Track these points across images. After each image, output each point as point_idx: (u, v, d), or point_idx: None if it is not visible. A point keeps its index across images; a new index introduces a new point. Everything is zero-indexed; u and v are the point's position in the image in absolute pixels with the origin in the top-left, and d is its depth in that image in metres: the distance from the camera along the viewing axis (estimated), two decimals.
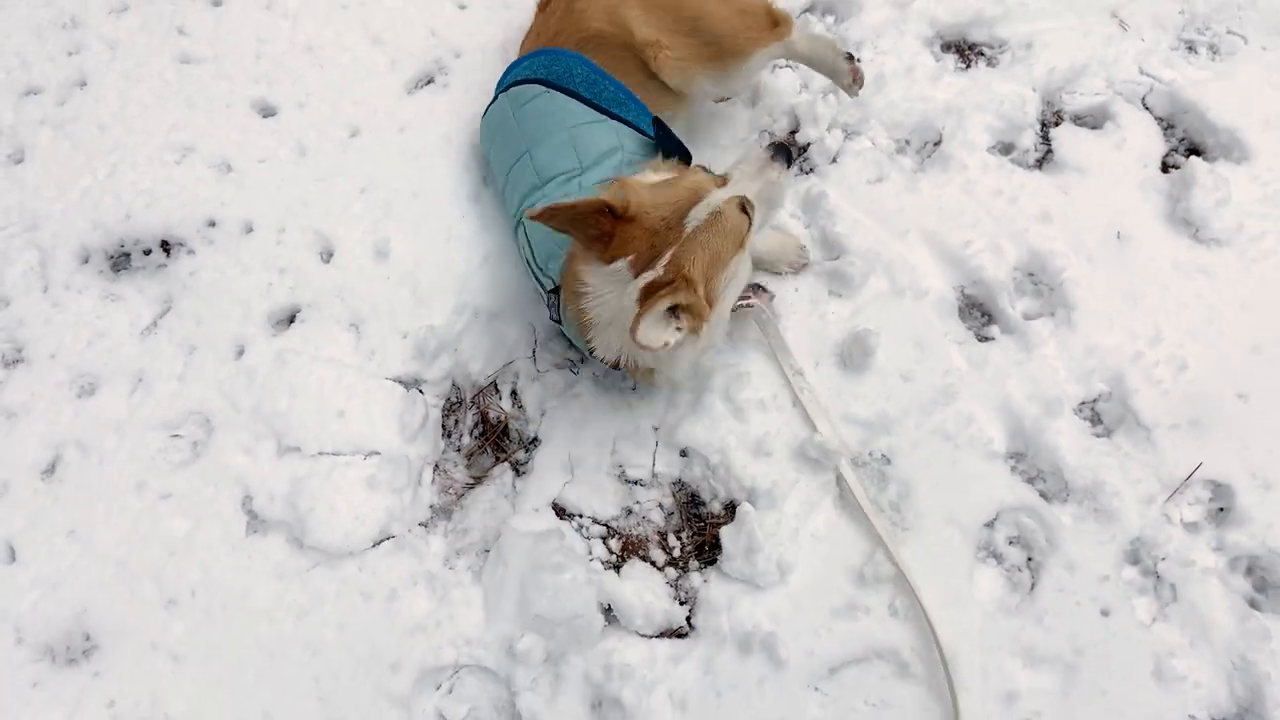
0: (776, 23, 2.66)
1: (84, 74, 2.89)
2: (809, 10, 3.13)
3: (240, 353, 2.58)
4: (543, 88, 2.48)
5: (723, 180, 2.19)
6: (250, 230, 2.70)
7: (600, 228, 2.06)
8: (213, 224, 2.71)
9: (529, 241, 2.38)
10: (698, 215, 2.07)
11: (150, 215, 2.69)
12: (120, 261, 2.71)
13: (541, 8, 2.79)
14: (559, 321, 2.40)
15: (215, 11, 3.00)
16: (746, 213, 2.16)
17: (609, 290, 2.12)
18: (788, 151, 2.25)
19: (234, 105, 2.87)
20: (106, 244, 2.69)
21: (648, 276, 2.05)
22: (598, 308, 2.16)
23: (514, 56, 2.94)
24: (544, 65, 2.53)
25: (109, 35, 2.96)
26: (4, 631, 2.31)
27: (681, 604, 2.38)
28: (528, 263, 2.45)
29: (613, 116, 2.47)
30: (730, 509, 2.46)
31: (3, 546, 2.39)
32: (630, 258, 2.06)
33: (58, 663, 2.30)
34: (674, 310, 2.04)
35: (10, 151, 2.80)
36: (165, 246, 2.72)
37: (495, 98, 2.64)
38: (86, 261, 2.68)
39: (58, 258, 2.66)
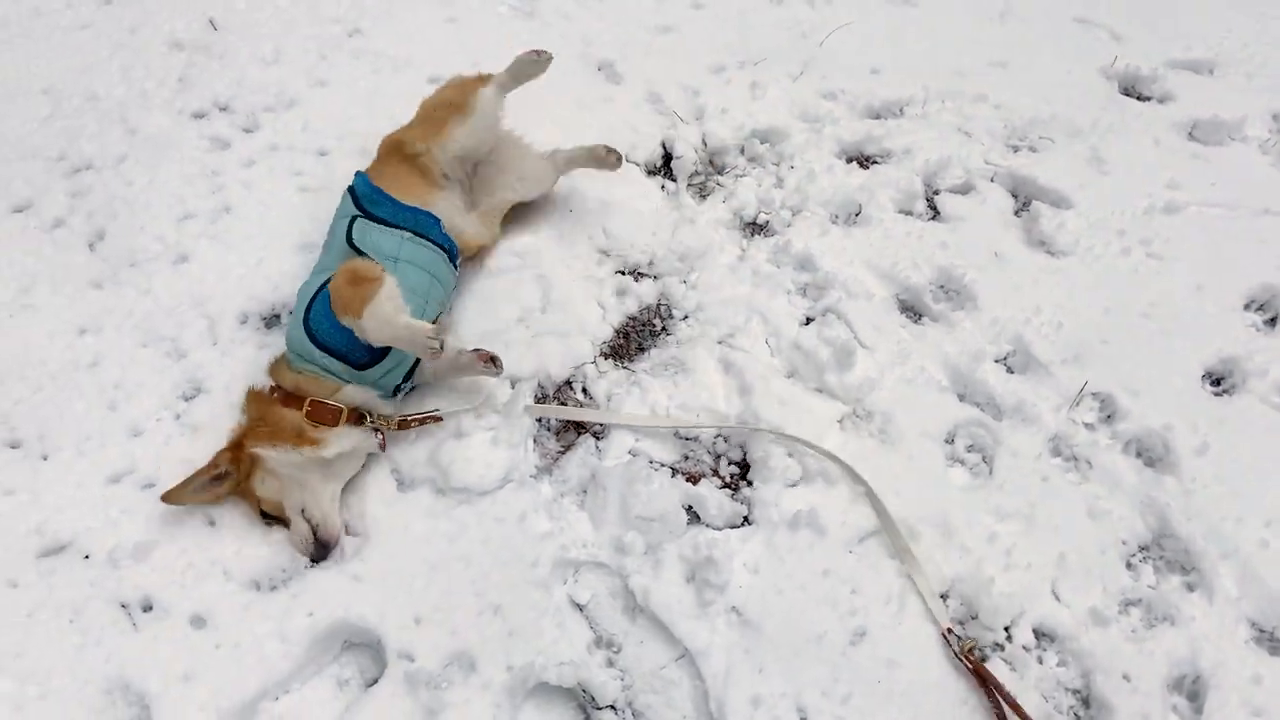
0: (480, 78, 3.57)
1: (228, 204, 3.79)
2: (750, 138, 4.35)
3: None
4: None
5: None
6: None
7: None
8: None
9: None
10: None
11: (294, 285, 3.51)
12: (272, 320, 3.47)
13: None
14: None
15: (323, 159, 4.01)
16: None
17: None
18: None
19: None
20: (260, 309, 3.46)
21: None
22: None
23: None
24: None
25: (244, 179, 3.89)
26: (214, 574, 2.85)
27: (741, 504, 3.12)
28: None
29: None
30: None
31: (205, 520, 2.98)
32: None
33: (263, 590, 2.83)
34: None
35: (174, 258, 3.60)
36: None
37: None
38: (245, 322, 3.44)
39: (223, 322, 3.41)
